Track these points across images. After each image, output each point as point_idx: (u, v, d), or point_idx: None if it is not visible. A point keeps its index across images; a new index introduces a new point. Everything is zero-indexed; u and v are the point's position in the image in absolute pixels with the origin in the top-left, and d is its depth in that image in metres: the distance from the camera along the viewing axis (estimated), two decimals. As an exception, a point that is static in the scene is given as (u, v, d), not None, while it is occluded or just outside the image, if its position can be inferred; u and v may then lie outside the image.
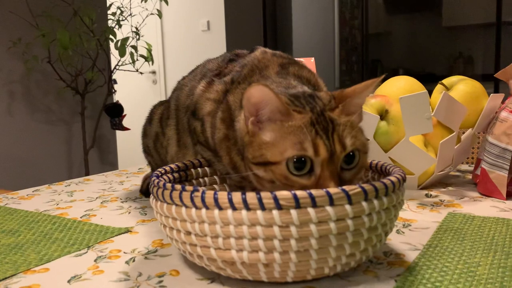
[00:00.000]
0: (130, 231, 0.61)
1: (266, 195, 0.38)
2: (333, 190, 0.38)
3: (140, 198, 0.79)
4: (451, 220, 0.60)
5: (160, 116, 0.72)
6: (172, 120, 0.67)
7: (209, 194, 0.40)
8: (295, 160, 0.43)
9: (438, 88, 0.81)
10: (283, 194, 0.38)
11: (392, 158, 0.73)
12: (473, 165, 0.96)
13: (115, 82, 2.57)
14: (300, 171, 0.43)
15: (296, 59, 1.07)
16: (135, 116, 3.38)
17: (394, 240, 0.54)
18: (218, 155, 0.54)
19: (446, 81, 0.80)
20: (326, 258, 0.40)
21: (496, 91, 4.23)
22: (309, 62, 1.04)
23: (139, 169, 1.09)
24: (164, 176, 0.53)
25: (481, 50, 4.43)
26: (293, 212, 0.38)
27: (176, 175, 0.56)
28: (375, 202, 0.40)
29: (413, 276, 0.43)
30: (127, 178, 0.98)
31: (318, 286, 0.42)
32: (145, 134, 0.77)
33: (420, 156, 0.72)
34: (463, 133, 0.84)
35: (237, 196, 0.39)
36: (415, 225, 0.59)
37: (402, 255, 0.49)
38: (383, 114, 0.74)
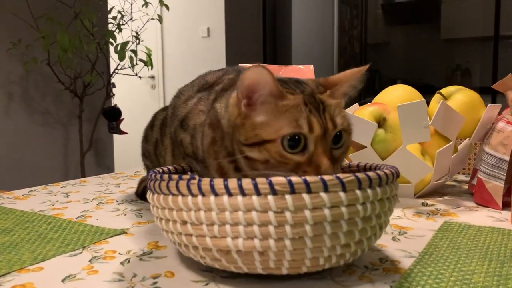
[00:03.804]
0: (126, 233, 0.60)
1: (261, 181, 0.39)
2: (327, 177, 0.39)
3: (136, 201, 0.79)
4: (446, 228, 0.61)
5: (161, 123, 0.72)
6: (168, 128, 0.67)
7: (205, 181, 0.40)
8: (289, 137, 0.44)
9: (436, 97, 0.81)
10: (278, 179, 0.38)
11: (389, 166, 0.73)
12: (469, 176, 0.96)
13: (114, 85, 2.58)
14: (294, 149, 0.45)
15: (295, 66, 1.07)
16: (133, 120, 3.39)
17: (390, 247, 0.54)
18: (206, 165, 0.54)
19: (444, 90, 0.81)
20: (321, 247, 0.40)
21: (493, 103, 4.25)
22: (308, 70, 1.05)
23: (135, 172, 1.09)
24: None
25: (479, 63, 4.47)
26: (288, 197, 0.38)
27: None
28: (369, 191, 0.41)
29: (408, 283, 0.43)
30: (124, 181, 0.97)
31: (313, 290, 0.42)
32: (146, 138, 0.76)
33: (417, 165, 0.72)
34: (460, 143, 0.84)
35: (233, 182, 0.39)
36: (411, 233, 0.59)
37: (398, 261, 0.49)
38: (381, 122, 0.74)
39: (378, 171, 0.43)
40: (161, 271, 0.47)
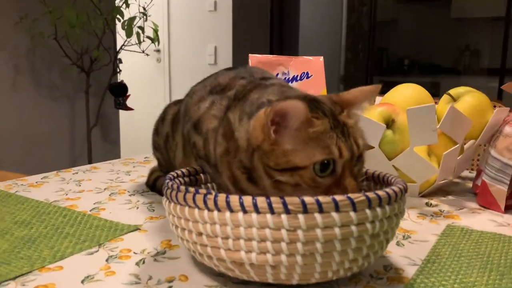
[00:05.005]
0: (139, 229, 0.63)
1: (275, 200, 0.40)
2: (339, 197, 0.41)
3: (147, 192, 0.81)
4: (449, 233, 0.62)
5: (173, 117, 0.73)
6: (180, 125, 0.68)
7: (222, 197, 0.42)
8: (320, 163, 0.46)
9: (445, 98, 0.82)
10: (292, 199, 0.40)
11: (395, 166, 0.75)
12: (474, 172, 0.97)
13: (121, 61, 2.57)
14: (324, 172, 0.46)
15: (305, 57, 1.07)
16: (139, 96, 3.36)
17: (394, 253, 0.56)
18: (219, 170, 0.55)
19: (453, 91, 0.81)
20: (330, 262, 0.42)
21: (501, 86, 4.23)
22: (318, 61, 1.05)
23: (145, 158, 1.11)
24: (176, 180, 0.55)
25: (488, 44, 4.42)
26: (301, 216, 0.40)
27: (187, 179, 0.58)
28: (378, 210, 0.43)
29: (411, 294, 0.45)
30: (134, 168, 0.99)
31: (320, 300, 0.44)
32: (156, 132, 0.78)
33: (423, 166, 0.74)
34: (466, 142, 0.85)
35: (247, 200, 0.41)
36: (414, 237, 0.61)
37: (402, 270, 0.51)
38: (389, 123, 0.75)
39: (388, 190, 0.44)
40: (175, 273, 0.49)
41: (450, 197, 0.80)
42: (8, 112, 2.38)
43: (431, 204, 0.76)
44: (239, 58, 3.85)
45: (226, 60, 3.93)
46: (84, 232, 0.61)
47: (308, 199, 0.40)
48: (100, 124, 2.71)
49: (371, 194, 0.42)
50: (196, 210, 0.43)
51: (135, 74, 3.96)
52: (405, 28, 4.81)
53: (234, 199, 0.41)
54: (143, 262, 0.52)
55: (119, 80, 2.61)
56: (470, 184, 0.89)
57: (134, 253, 0.55)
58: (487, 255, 0.56)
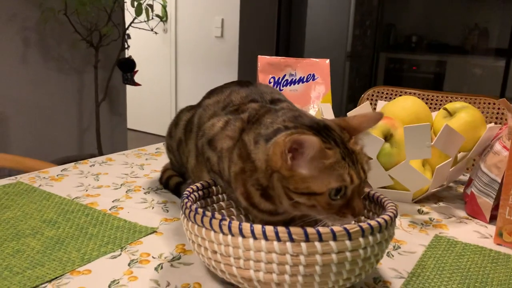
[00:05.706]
0: (156, 232, 0.69)
1: (281, 230, 0.47)
2: (336, 228, 0.47)
3: (161, 189, 0.87)
4: (436, 245, 0.69)
5: (186, 124, 0.78)
6: (193, 134, 0.73)
7: (235, 224, 0.48)
8: (335, 189, 0.52)
9: (441, 113, 0.87)
10: (296, 230, 0.46)
11: (391, 176, 0.81)
12: (468, 175, 1.03)
13: (129, 37, 2.59)
14: (337, 196, 0.53)
15: (311, 59, 1.11)
16: (145, 70, 3.36)
17: (385, 264, 0.63)
18: (231, 186, 0.61)
19: (449, 106, 0.86)
20: (326, 281, 0.49)
21: (507, 67, 4.23)
22: (324, 63, 1.09)
23: (156, 149, 1.17)
24: (192, 196, 0.61)
25: (498, 23, 4.38)
26: (303, 244, 0.47)
27: (200, 192, 0.64)
28: (370, 238, 0.49)
29: (396, 308, 0.52)
30: (146, 161, 1.06)
31: (316, 312, 0.51)
32: (170, 135, 0.83)
33: (417, 177, 0.79)
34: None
35: (258, 228, 0.47)
36: (404, 248, 0.68)
37: (389, 283, 0.58)
38: (388, 137, 0.80)
39: (379, 219, 0.50)
40: (190, 280, 0.56)
41: (441, 204, 0.87)
42: (17, 84, 2.43)
43: (422, 211, 0.82)
44: (246, 31, 3.85)
45: (233, 32, 3.92)
46: (107, 234, 0.68)
47: (310, 229, 0.46)
48: (108, 98, 2.76)
49: (364, 225, 0.48)
50: (212, 232, 0.50)
51: (142, 48, 3.97)
52: (414, 3, 4.76)
53: (246, 226, 0.47)
54: (161, 268, 0.59)
55: (127, 56, 2.64)
56: (461, 190, 0.95)
57: (153, 257, 0.62)
58: (467, 269, 0.62)
